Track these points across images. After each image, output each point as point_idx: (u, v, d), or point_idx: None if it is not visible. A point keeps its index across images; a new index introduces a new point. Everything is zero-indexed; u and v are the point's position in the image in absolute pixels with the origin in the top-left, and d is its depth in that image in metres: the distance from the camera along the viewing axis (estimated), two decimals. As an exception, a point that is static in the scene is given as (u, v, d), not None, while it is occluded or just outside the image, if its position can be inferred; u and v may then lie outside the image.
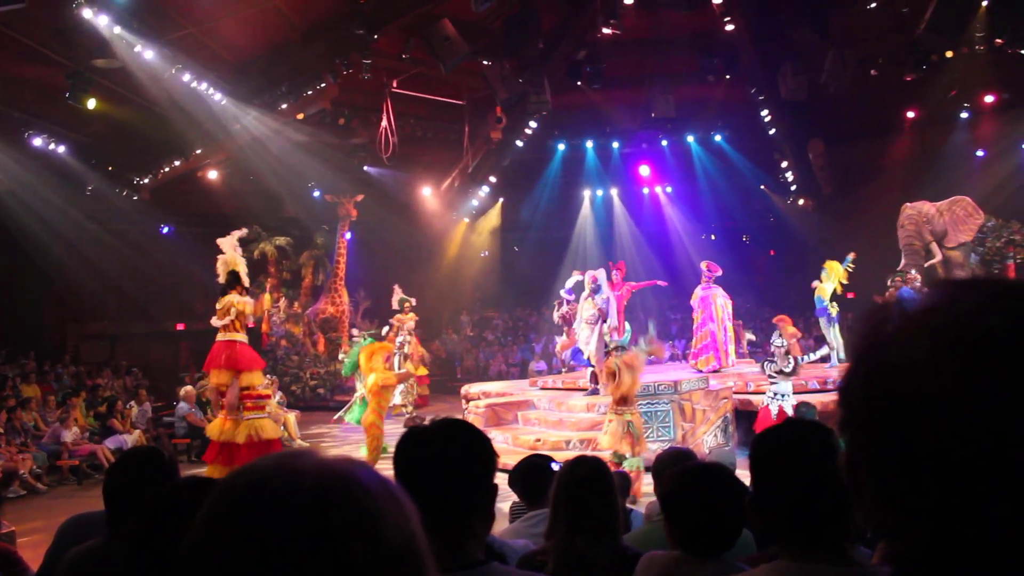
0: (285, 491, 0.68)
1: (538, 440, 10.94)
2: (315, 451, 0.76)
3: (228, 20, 15.26)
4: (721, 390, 11.77)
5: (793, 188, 23.10)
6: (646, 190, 26.70)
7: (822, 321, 14.28)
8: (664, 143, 24.79)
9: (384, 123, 19.08)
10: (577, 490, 2.56)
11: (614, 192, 26.43)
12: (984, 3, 14.90)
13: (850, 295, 16.39)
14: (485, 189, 23.74)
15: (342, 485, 0.70)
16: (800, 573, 1.54)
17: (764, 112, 20.95)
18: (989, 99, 19.20)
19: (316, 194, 21.88)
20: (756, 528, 2.59)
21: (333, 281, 21.32)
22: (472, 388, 13.96)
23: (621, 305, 13.48)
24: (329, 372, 19.78)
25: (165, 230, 20.06)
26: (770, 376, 9.95)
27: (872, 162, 21.35)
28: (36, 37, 13.35)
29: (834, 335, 14.04)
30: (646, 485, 8.12)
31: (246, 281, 10.22)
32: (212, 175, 20.13)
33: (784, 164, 22.63)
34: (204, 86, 15.35)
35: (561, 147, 25.06)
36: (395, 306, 16.92)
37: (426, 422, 1.94)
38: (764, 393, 10.38)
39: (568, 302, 14.19)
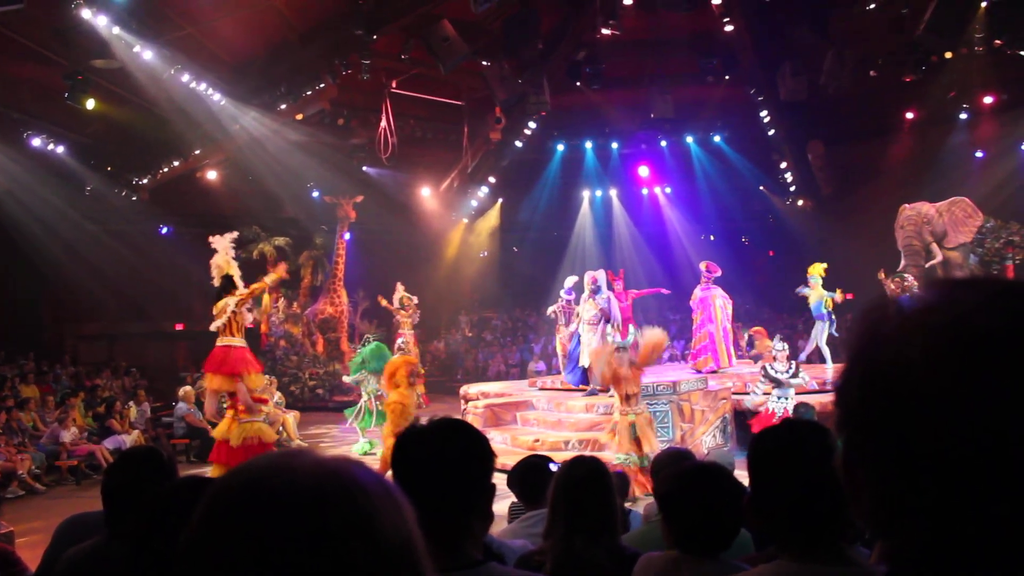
0: (282, 490, 0.68)
1: (537, 440, 10.93)
2: (312, 450, 0.76)
3: (227, 20, 15.26)
4: (720, 391, 11.76)
5: (792, 189, 23.11)
6: (645, 191, 26.70)
7: (819, 325, 14.21)
8: (663, 144, 24.80)
9: (383, 123, 19.10)
10: (575, 490, 2.56)
11: (613, 193, 26.43)
12: (983, 4, 14.92)
13: (849, 296, 16.38)
14: (484, 190, 23.75)
15: (339, 484, 0.70)
16: (798, 573, 1.54)
17: (763, 113, 20.96)
18: (988, 100, 19.20)
19: (315, 195, 21.88)
20: (755, 528, 2.59)
21: (332, 281, 21.30)
22: (471, 388, 13.95)
23: (627, 313, 13.47)
24: (328, 372, 19.77)
25: (164, 230, 20.05)
26: (768, 378, 9.93)
27: (871, 163, 21.36)
28: (35, 37, 13.35)
29: (823, 339, 14.02)
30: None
31: (240, 284, 10.19)
32: (211, 176, 20.13)
33: (783, 165, 22.64)
34: (203, 86, 15.35)
35: (560, 148, 25.07)
36: (395, 303, 16.91)
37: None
38: (766, 394, 10.37)
39: (568, 302, 14.20)
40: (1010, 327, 0.63)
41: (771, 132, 21.51)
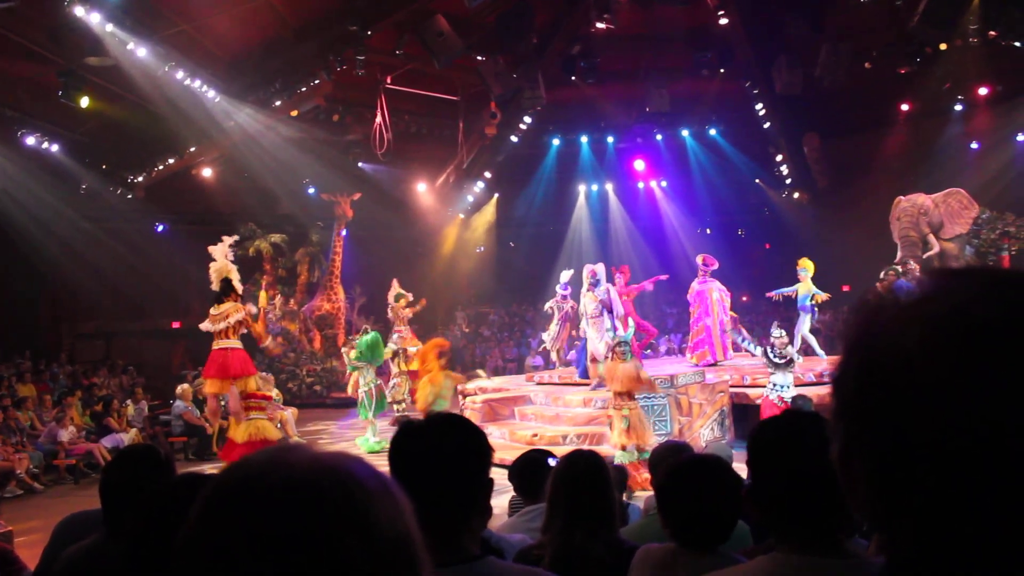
0: (279, 485, 0.68)
1: (535, 435, 10.93)
2: (309, 446, 0.76)
3: (221, 17, 15.22)
4: (717, 384, 11.76)
5: (788, 182, 23.12)
6: (641, 184, 26.72)
7: (802, 316, 14.21)
8: (659, 137, 24.81)
9: (378, 119, 19.06)
10: (573, 484, 2.56)
11: (609, 187, 26.43)
12: (977, -5, 14.92)
13: (844, 288, 16.40)
14: (480, 185, 23.72)
15: (336, 479, 0.70)
16: (797, 565, 1.54)
17: (759, 106, 20.97)
18: (983, 91, 19.22)
19: (311, 191, 21.86)
20: (753, 520, 2.59)
21: (329, 278, 21.29)
22: (468, 384, 13.95)
23: (630, 308, 13.43)
24: (325, 369, 19.77)
25: (160, 228, 20.02)
26: (769, 363, 9.92)
27: (867, 155, 21.37)
28: (28, 35, 13.30)
29: (806, 328, 14.04)
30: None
31: (239, 288, 10.23)
32: (206, 172, 20.08)
33: (779, 158, 22.65)
34: (197, 83, 15.31)
35: (556, 142, 25.06)
36: (390, 300, 16.92)
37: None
38: (763, 387, 10.37)
39: (564, 296, 14.17)
40: (1007, 317, 0.62)
41: (766, 125, 21.53)
